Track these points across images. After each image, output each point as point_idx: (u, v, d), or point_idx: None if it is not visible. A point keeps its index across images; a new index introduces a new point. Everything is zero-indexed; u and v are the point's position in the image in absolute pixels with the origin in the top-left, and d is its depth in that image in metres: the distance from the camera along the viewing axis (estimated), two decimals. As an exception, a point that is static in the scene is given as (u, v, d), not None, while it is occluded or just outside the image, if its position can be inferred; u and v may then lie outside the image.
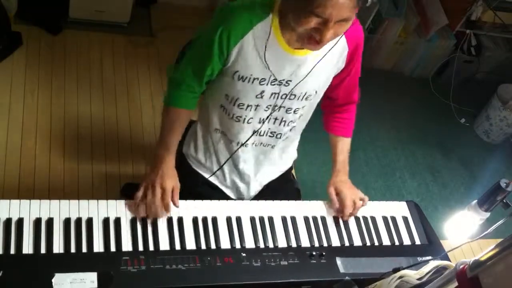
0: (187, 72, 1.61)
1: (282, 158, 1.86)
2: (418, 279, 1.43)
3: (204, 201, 1.62)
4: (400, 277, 1.43)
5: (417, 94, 3.79)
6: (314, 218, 1.69)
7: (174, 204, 1.57)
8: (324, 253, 1.59)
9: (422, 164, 3.36)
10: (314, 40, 1.38)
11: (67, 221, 1.44)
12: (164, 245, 1.48)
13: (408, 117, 3.60)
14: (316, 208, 1.72)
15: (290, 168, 1.94)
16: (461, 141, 3.61)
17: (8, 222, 1.40)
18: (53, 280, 1.32)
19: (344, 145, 1.80)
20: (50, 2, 3.07)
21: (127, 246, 1.45)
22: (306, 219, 1.68)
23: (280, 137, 1.73)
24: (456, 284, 1.09)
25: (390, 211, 1.80)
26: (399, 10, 3.46)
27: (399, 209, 1.82)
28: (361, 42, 1.62)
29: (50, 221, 1.43)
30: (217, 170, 1.79)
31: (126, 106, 2.93)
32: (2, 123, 2.64)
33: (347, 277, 1.51)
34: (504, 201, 1.50)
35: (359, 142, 3.30)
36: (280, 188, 1.88)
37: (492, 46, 3.79)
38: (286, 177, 1.92)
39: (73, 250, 1.40)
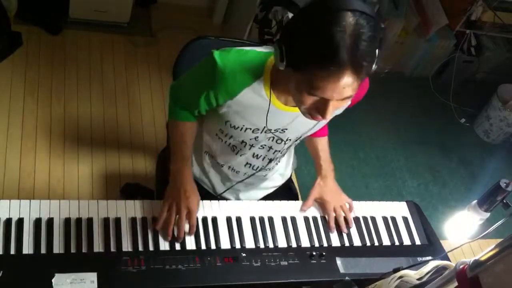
0: (183, 99, 1.58)
1: (277, 177, 1.85)
2: (418, 279, 1.43)
3: (204, 201, 1.61)
4: (400, 277, 1.43)
5: (417, 94, 3.78)
6: (314, 218, 1.69)
7: (192, 232, 1.52)
8: (324, 253, 1.59)
9: (422, 164, 3.36)
10: (315, 118, 1.30)
11: (67, 221, 1.44)
12: (164, 245, 1.48)
13: (408, 117, 3.60)
14: (316, 208, 1.72)
15: (289, 178, 1.94)
16: (461, 141, 3.61)
17: (8, 222, 1.40)
18: (53, 280, 1.32)
19: (323, 144, 1.75)
20: (50, 2, 3.07)
21: (127, 246, 1.45)
22: (306, 219, 1.68)
23: (271, 170, 1.73)
24: (456, 284, 1.09)
25: (390, 211, 1.80)
26: (399, 10, 3.46)
27: (399, 209, 1.82)
28: (362, 94, 1.61)
29: (50, 221, 1.43)
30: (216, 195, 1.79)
31: (126, 106, 2.93)
32: (2, 123, 2.64)
33: (347, 277, 1.51)
34: (504, 201, 1.50)
35: (359, 142, 3.30)
36: (281, 190, 1.89)
37: (492, 46, 3.79)
38: (285, 185, 1.92)
39: (73, 250, 1.40)
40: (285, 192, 1.92)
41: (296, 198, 1.97)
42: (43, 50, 3.00)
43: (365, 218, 1.75)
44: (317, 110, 1.27)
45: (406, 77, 3.85)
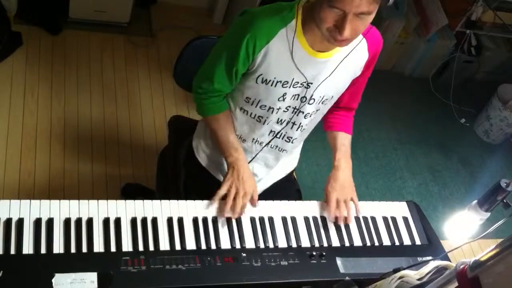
0: (215, 78, 1.59)
1: (289, 161, 1.86)
2: (418, 279, 1.42)
3: (204, 201, 1.61)
4: (400, 277, 1.43)
5: (417, 94, 3.79)
6: (314, 218, 1.69)
7: (254, 205, 1.63)
8: (324, 253, 1.59)
9: (422, 164, 3.36)
10: (336, 39, 1.39)
11: (67, 221, 1.44)
12: (164, 245, 1.48)
13: (408, 117, 3.60)
14: (316, 208, 1.72)
15: (292, 169, 1.94)
16: (461, 141, 3.61)
17: (8, 222, 1.40)
18: (53, 280, 1.32)
19: (344, 139, 1.77)
20: (50, 2, 3.07)
21: (127, 246, 1.45)
22: (306, 219, 1.68)
23: (292, 142, 1.73)
24: (456, 284, 1.09)
25: (390, 211, 1.80)
26: (399, 10, 3.46)
27: (399, 209, 1.82)
28: (379, 50, 1.62)
29: (50, 221, 1.43)
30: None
31: (126, 106, 2.93)
32: (2, 123, 2.64)
33: (347, 277, 1.51)
34: (504, 201, 1.50)
35: (359, 142, 3.30)
36: (282, 188, 1.89)
37: (492, 46, 3.79)
38: (287, 178, 1.92)
39: (73, 250, 1.40)
40: (287, 185, 1.93)
41: (298, 194, 1.97)
42: (43, 50, 3.00)
43: (365, 218, 1.75)
44: (336, 27, 1.36)
45: (406, 77, 3.85)
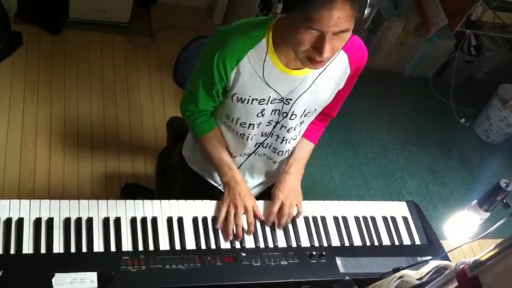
0: (199, 99, 1.59)
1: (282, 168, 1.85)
2: (418, 279, 1.42)
3: (204, 201, 1.62)
4: (400, 277, 1.43)
5: (417, 94, 3.78)
6: (314, 218, 1.69)
7: (260, 218, 1.62)
8: (324, 253, 1.59)
9: (422, 164, 3.36)
10: (314, 60, 1.35)
11: (67, 221, 1.44)
12: (164, 245, 1.48)
13: (408, 117, 3.60)
14: (316, 208, 1.72)
15: None
16: (461, 141, 3.61)
17: (8, 222, 1.40)
18: (53, 280, 1.32)
19: (306, 146, 1.76)
20: (50, 2, 3.07)
21: (127, 246, 1.45)
22: (306, 219, 1.68)
23: (281, 154, 1.73)
24: (456, 284, 1.09)
25: (390, 211, 1.80)
26: (399, 10, 3.46)
27: (399, 209, 1.82)
28: (363, 64, 1.61)
29: (50, 221, 1.43)
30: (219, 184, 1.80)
31: (126, 106, 2.93)
32: (2, 123, 2.64)
33: (347, 277, 1.51)
34: (504, 201, 1.50)
35: (359, 142, 3.30)
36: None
37: (492, 46, 3.79)
38: None
39: (73, 250, 1.40)
40: None
41: None
42: (43, 50, 3.00)
43: (365, 218, 1.75)
44: (315, 49, 1.32)
45: (406, 77, 3.85)
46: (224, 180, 1.65)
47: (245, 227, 1.59)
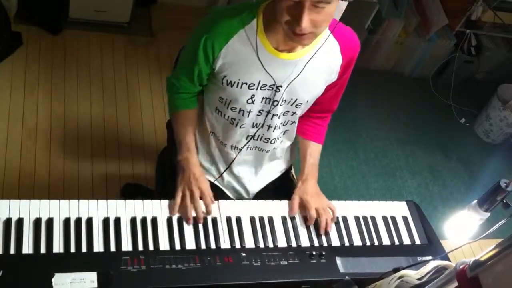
0: (180, 76, 1.64)
1: (278, 161, 1.85)
2: (418, 279, 1.43)
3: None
4: (400, 277, 1.43)
5: (417, 94, 3.79)
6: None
7: (212, 202, 1.61)
8: (324, 253, 1.59)
9: (422, 164, 3.36)
10: (295, 32, 1.34)
11: (67, 221, 1.44)
12: (164, 245, 1.48)
13: (408, 117, 3.61)
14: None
15: (290, 168, 1.94)
16: (461, 141, 3.61)
17: (8, 222, 1.40)
18: (53, 280, 1.32)
19: (315, 150, 1.79)
20: (50, 2, 3.07)
21: (127, 246, 1.45)
22: (306, 219, 1.68)
23: (273, 142, 1.73)
24: (456, 284, 1.09)
25: (390, 211, 1.80)
26: (399, 10, 3.46)
27: (399, 209, 1.82)
28: (355, 55, 1.61)
29: (50, 221, 1.43)
30: (218, 177, 1.80)
31: (126, 106, 2.93)
32: (2, 123, 2.64)
33: (347, 277, 1.51)
34: (504, 201, 1.51)
35: (359, 142, 3.30)
36: (280, 188, 1.88)
37: (492, 46, 3.79)
38: (285, 177, 1.92)
39: (73, 250, 1.40)
40: (287, 185, 1.92)
41: None
42: (43, 50, 3.00)
43: (365, 218, 1.75)
44: (294, 19, 1.31)
45: (406, 77, 3.85)
46: (179, 158, 1.65)
47: (204, 210, 1.58)
